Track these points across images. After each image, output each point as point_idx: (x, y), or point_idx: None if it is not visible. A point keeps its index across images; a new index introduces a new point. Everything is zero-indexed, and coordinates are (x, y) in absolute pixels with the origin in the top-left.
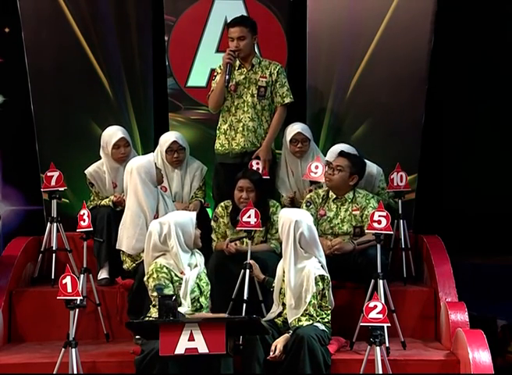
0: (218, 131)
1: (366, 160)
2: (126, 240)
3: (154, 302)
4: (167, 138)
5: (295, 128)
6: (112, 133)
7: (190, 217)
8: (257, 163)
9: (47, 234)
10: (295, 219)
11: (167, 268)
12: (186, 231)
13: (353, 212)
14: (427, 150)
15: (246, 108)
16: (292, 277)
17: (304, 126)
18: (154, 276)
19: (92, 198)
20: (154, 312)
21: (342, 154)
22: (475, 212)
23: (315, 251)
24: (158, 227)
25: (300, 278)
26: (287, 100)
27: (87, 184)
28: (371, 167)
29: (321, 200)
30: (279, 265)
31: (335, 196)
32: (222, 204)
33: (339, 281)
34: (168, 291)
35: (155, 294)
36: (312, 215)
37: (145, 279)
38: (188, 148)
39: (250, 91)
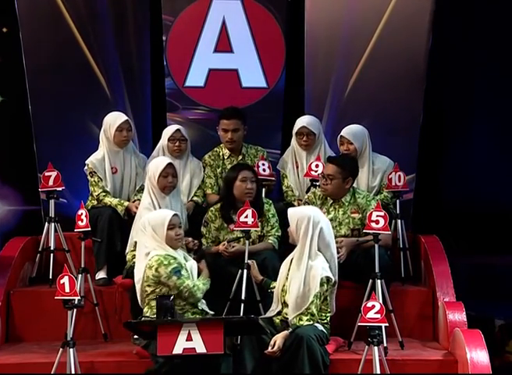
0: None
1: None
2: None
3: (173, 287)
4: (171, 128)
5: (301, 122)
6: (117, 116)
7: (163, 217)
8: (263, 164)
9: (45, 234)
10: (312, 215)
11: (169, 255)
12: (158, 231)
13: (352, 215)
14: (425, 149)
15: None
16: (301, 275)
17: (311, 119)
18: (165, 262)
19: (93, 189)
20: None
21: (329, 160)
22: (473, 211)
23: (326, 250)
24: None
25: (307, 277)
26: None
27: (88, 174)
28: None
29: (318, 200)
30: (284, 263)
31: (332, 200)
32: (213, 208)
33: (340, 280)
34: (185, 272)
35: (175, 278)
36: None
37: (151, 273)
38: (189, 142)
39: None
